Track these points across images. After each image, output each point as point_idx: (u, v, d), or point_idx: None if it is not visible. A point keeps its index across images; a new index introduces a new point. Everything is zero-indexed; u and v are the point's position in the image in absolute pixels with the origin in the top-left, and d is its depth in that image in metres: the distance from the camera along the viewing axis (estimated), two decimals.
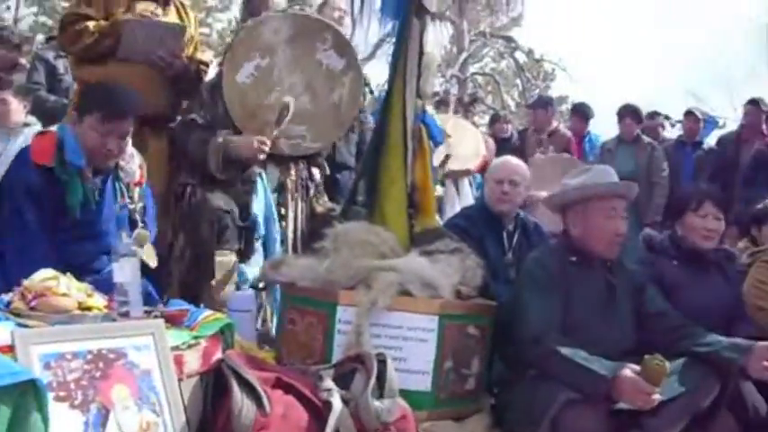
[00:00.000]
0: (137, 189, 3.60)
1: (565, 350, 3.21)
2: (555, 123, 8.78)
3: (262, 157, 4.31)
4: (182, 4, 4.76)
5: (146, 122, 4.43)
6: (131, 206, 3.55)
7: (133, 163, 3.61)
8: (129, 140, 3.58)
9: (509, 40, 21.73)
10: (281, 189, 4.54)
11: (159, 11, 4.53)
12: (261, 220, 4.43)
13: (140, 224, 3.53)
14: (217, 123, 4.41)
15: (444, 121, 7.41)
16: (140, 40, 4.33)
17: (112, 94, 3.60)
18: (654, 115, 9.29)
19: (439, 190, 7.54)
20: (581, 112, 9.17)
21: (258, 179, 4.45)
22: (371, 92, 6.70)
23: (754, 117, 7.93)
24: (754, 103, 8.05)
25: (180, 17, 4.66)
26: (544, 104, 9.12)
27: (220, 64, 4.69)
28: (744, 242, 5.14)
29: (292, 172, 4.62)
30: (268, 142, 4.29)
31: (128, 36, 4.29)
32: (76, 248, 3.46)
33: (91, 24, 4.32)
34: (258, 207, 4.42)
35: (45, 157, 3.43)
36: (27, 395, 2.16)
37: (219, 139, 4.27)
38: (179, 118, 4.60)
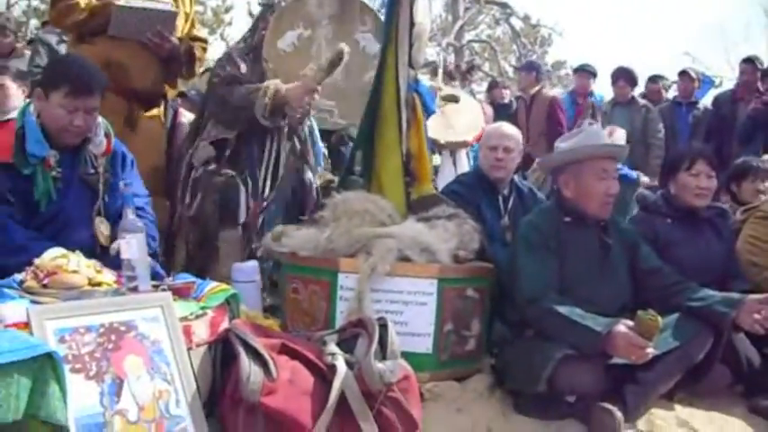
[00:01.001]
0: (102, 160, 3.47)
1: (561, 308, 3.30)
2: (537, 87, 8.79)
3: (306, 106, 4.36)
4: None
5: (136, 99, 4.50)
6: (96, 177, 3.43)
7: (101, 133, 3.49)
8: (97, 114, 3.46)
9: (504, 6, 21.66)
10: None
11: None
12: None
13: (102, 195, 3.42)
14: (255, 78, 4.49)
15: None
16: (131, 25, 4.40)
17: (78, 69, 3.44)
18: (656, 79, 9.30)
19: (436, 159, 7.62)
20: (584, 71, 9.19)
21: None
22: None
23: (750, 76, 7.95)
24: (749, 61, 8.07)
25: None
26: (529, 68, 9.26)
27: (254, 26, 4.73)
28: (727, 201, 5.18)
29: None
30: (318, 88, 4.34)
31: (117, 19, 4.36)
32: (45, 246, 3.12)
33: (82, 1, 4.37)
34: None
35: (3, 153, 3.28)
36: (45, 367, 2.25)
37: (272, 85, 4.31)
38: (219, 73, 4.58)
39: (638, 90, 8.97)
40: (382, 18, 4.39)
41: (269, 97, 4.24)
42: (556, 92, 9.69)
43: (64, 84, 3.32)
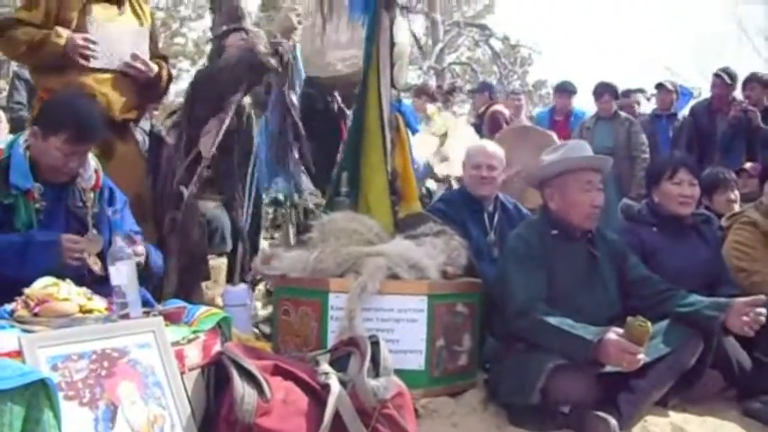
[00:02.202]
0: (91, 194, 3.49)
1: (551, 319, 3.31)
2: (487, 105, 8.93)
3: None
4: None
5: (110, 128, 4.47)
6: (84, 210, 3.45)
7: (90, 169, 3.52)
8: (88, 154, 3.49)
9: (483, 28, 21.81)
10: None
11: (114, 11, 4.45)
12: None
13: (92, 228, 3.41)
14: None
15: (446, 121, 7.53)
16: (106, 47, 4.30)
17: (81, 116, 3.40)
18: (628, 93, 9.38)
19: (432, 184, 7.67)
20: (563, 90, 9.28)
21: None
22: None
23: (721, 88, 8.04)
24: (718, 75, 8.16)
25: (135, 13, 4.64)
26: (481, 89, 9.68)
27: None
28: None
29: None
30: None
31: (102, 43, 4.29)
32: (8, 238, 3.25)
33: (20, 33, 4.19)
34: None
35: None
36: (38, 395, 2.25)
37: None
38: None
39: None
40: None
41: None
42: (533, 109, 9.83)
43: (65, 129, 3.32)
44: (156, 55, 4.72)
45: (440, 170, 7.20)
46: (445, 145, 7.32)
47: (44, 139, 3.34)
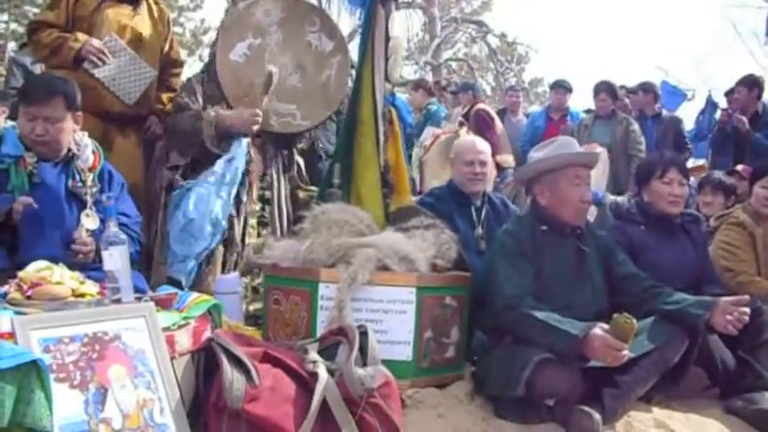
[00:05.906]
0: (90, 174, 3.65)
1: (538, 313, 3.35)
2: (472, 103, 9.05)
3: (255, 128, 4.43)
4: (155, 2, 4.84)
5: (110, 120, 4.55)
6: (83, 189, 3.59)
7: (87, 151, 3.68)
8: (62, 126, 3.59)
9: (480, 24, 21.87)
10: (263, 175, 4.67)
11: (128, 12, 4.62)
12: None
13: (90, 207, 3.57)
14: (213, 100, 4.57)
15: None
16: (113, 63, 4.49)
17: (36, 79, 3.83)
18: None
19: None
20: (560, 87, 9.31)
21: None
22: None
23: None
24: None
25: (151, 16, 4.74)
26: (464, 88, 9.79)
27: (213, 45, 4.83)
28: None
29: (275, 157, 4.74)
30: (260, 113, 4.42)
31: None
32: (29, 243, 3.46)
33: (44, 36, 4.41)
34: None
35: None
36: (30, 375, 2.29)
37: (212, 113, 4.42)
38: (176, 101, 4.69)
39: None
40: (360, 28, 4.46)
41: (212, 126, 4.37)
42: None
43: (23, 93, 3.65)
44: (168, 60, 4.85)
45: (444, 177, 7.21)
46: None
47: (20, 111, 3.61)
